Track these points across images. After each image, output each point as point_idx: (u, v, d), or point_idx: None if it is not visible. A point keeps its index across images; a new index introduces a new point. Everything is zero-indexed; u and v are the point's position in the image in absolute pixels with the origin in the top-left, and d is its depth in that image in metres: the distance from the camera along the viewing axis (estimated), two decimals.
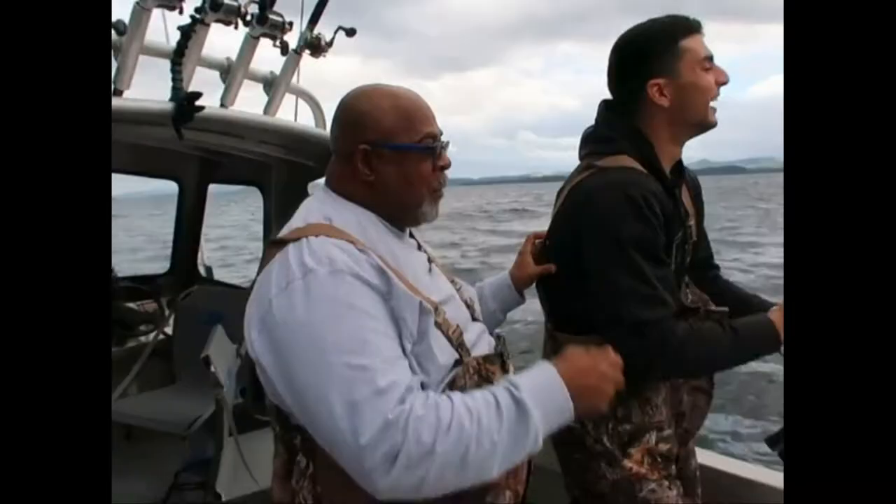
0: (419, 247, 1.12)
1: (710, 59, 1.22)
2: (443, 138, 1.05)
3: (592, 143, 1.28)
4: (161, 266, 3.24)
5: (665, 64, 1.20)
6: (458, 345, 0.98)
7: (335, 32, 2.04)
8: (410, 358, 0.91)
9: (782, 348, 1.19)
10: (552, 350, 1.29)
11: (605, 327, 1.17)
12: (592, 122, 1.32)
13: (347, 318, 0.86)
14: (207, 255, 3.31)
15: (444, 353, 0.96)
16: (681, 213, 1.29)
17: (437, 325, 0.96)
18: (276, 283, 0.90)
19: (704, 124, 1.25)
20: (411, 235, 1.12)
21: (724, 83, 1.23)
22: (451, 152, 1.07)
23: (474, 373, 0.99)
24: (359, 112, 1.02)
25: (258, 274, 0.96)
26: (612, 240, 1.14)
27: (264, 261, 0.97)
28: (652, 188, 1.17)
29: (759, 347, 1.19)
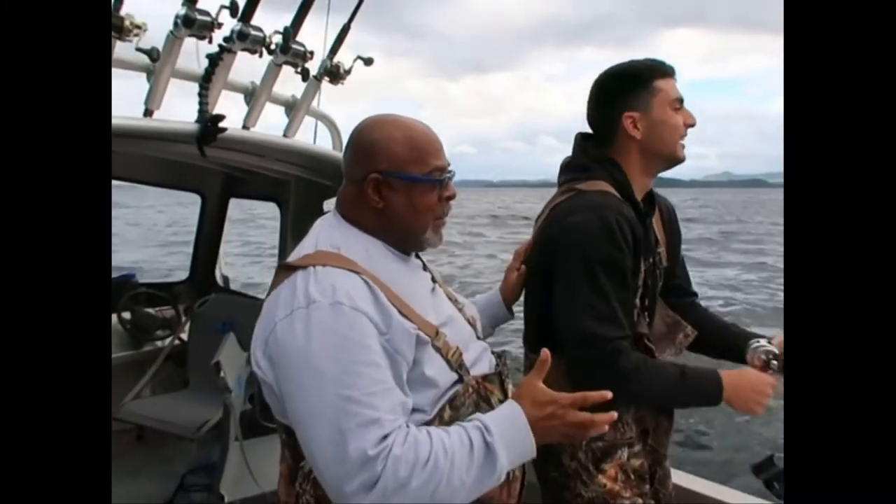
0: (425, 267, 1.18)
1: (680, 101, 1.33)
2: (449, 168, 1.10)
3: (571, 171, 1.38)
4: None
5: (639, 99, 1.31)
6: (458, 366, 1.05)
7: (353, 61, 2.16)
8: (406, 384, 0.98)
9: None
10: (529, 367, 1.36)
11: (560, 338, 1.24)
12: None
13: (343, 350, 0.92)
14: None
15: (443, 375, 1.03)
16: (651, 239, 1.37)
17: (437, 348, 1.02)
18: (283, 308, 0.97)
19: (674, 158, 1.35)
20: (418, 256, 1.17)
21: (692, 125, 1.34)
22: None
23: (473, 392, 1.06)
24: (372, 141, 1.07)
25: (268, 294, 1.04)
26: (581, 257, 1.22)
27: (275, 282, 1.03)
28: (625, 213, 1.26)
29: (700, 397, 1.27)
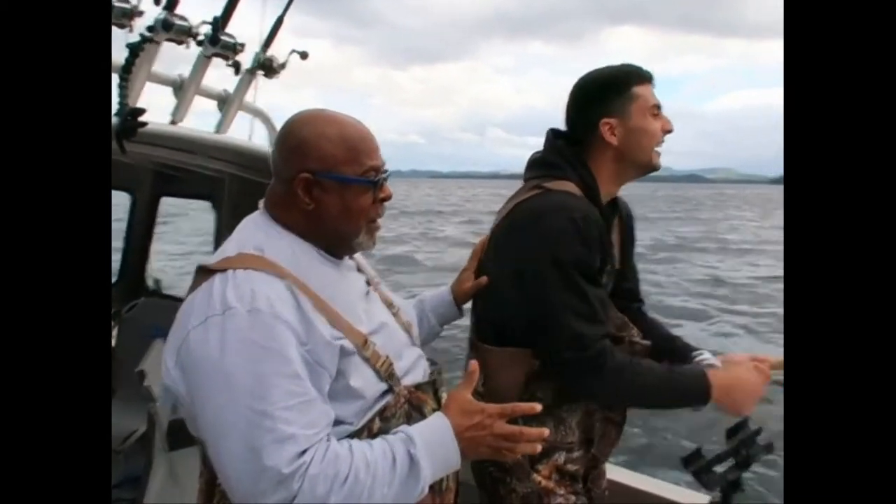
0: (359, 269, 1.14)
1: (658, 107, 1.33)
2: (385, 168, 1.05)
3: (540, 167, 1.36)
4: None
5: (618, 106, 1.30)
6: (388, 375, 1.01)
7: (289, 55, 2.09)
8: (329, 396, 0.94)
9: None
10: (475, 358, 1.32)
11: (544, 343, 1.22)
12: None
13: (260, 361, 0.87)
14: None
15: (371, 386, 0.99)
16: (610, 242, 1.36)
17: (365, 358, 0.98)
18: (197, 315, 0.91)
19: (649, 166, 1.35)
20: (352, 257, 1.12)
21: (670, 131, 1.34)
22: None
23: (405, 402, 1.02)
24: (302, 138, 1.01)
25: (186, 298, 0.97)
26: (554, 258, 1.20)
27: (192, 287, 0.98)
28: (593, 214, 1.25)
29: (688, 397, 1.26)
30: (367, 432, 0.98)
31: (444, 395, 1.10)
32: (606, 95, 1.31)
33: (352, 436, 0.96)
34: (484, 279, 1.35)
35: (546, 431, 1.00)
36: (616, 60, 1.39)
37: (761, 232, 25.00)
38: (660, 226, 24.29)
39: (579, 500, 1.31)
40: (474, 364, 1.03)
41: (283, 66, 2.07)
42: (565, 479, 1.31)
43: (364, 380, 0.98)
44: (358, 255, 1.15)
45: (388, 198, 1.06)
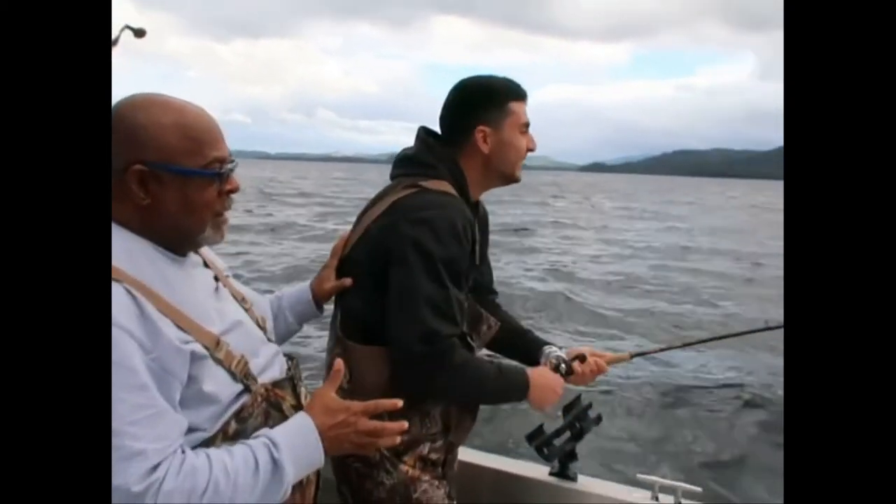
0: (206, 263, 1.08)
1: (526, 125, 1.41)
2: (231, 159, 0.99)
3: (414, 165, 1.39)
4: None
5: (494, 117, 1.38)
6: (244, 375, 0.98)
7: (121, 31, 1.88)
8: (181, 404, 0.90)
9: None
10: (341, 354, 1.31)
11: (395, 332, 1.23)
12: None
13: None
14: None
15: (225, 388, 0.96)
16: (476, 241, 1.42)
17: (218, 360, 0.95)
18: None
19: (511, 178, 1.44)
20: (197, 252, 1.07)
21: (532, 150, 1.43)
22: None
23: (262, 400, 1.00)
24: (136, 126, 0.92)
25: None
26: (427, 254, 1.23)
27: None
28: (469, 216, 1.30)
29: (512, 393, 1.35)
30: (222, 435, 0.95)
31: (302, 391, 1.10)
32: (485, 104, 1.37)
33: (206, 441, 0.93)
34: (347, 281, 1.35)
35: (405, 425, 1.03)
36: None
37: (583, 213, 27.40)
38: (498, 210, 25.69)
39: (441, 484, 1.37)
40: (339, 363, 1.03)
41: (114, 42, 1.86)
42: (429, 467, 1.36)
43: (218, 383, 0.94)
44: (205, 249, 1.09)
45: (234, 190, 1.00)
